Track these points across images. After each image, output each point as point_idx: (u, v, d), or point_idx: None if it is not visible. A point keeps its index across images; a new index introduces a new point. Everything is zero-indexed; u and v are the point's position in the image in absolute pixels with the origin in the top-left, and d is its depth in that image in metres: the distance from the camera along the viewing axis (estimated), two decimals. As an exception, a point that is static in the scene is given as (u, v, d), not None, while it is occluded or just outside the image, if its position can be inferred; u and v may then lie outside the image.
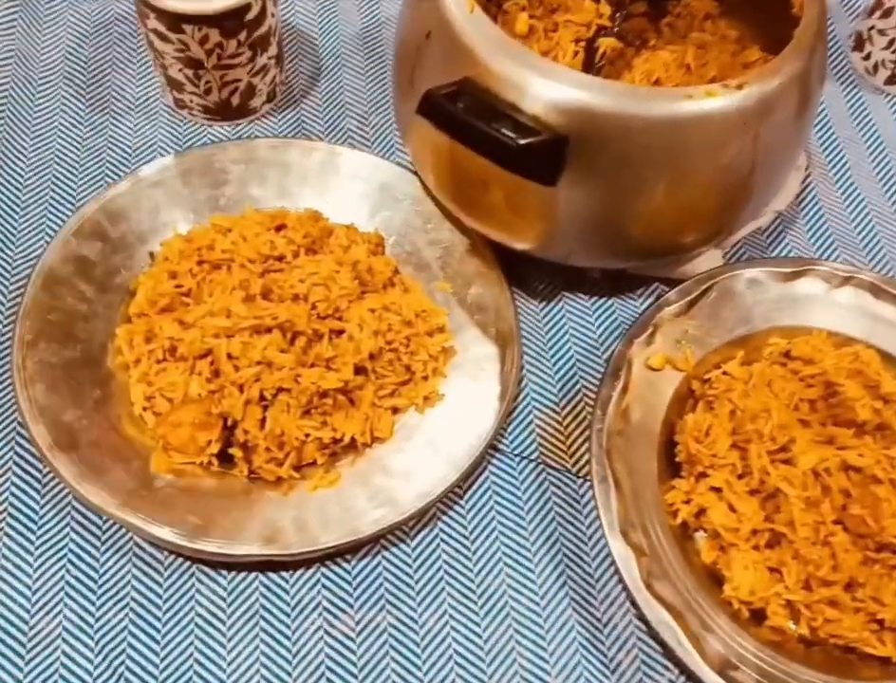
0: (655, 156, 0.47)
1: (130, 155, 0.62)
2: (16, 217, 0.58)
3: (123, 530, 0.47)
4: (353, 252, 0.55)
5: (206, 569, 0.47)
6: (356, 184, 0.59)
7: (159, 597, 0.46)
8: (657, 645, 0.46)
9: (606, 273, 0.57)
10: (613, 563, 0.47)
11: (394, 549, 0.48)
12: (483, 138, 0.44)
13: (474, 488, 0.50)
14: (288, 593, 0.47)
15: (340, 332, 0.52)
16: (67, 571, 0.47)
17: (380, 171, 0.59)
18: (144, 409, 0.49)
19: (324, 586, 0.47)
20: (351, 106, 0.65)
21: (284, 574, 0.47)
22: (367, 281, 0.54)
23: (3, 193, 0.59)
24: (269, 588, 0.47)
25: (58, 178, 0.60)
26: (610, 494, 0.46)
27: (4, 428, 0.50)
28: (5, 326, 0.53)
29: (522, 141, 0.43)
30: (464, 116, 0.44)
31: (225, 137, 0.63)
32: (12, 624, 0.45)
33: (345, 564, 0.48)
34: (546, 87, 0.45)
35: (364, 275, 0.54)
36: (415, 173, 0.58)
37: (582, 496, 0.50)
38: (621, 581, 0.46)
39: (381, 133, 0.64)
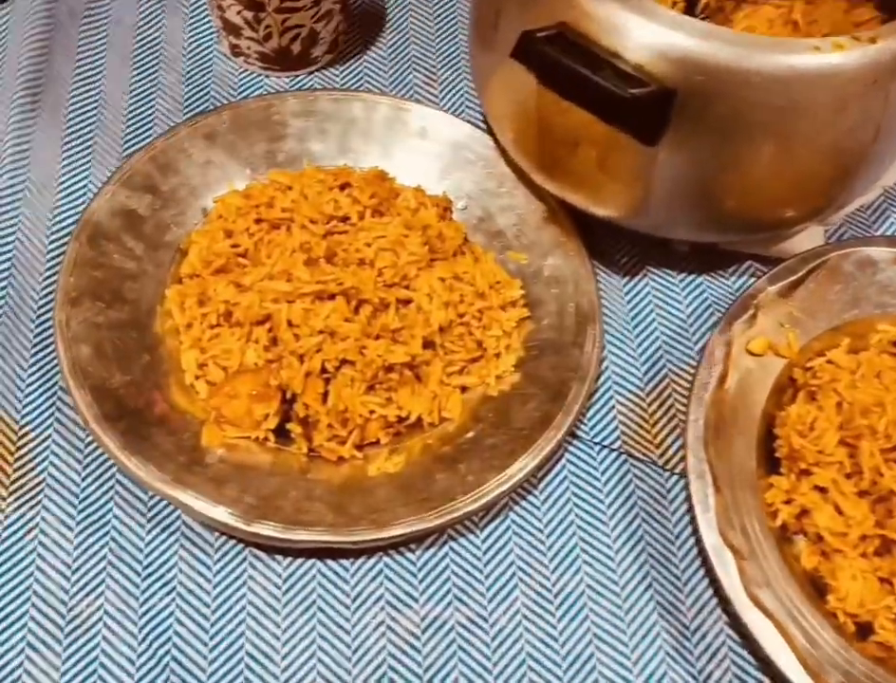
0: (771, 115, 0.42)
1: (181, 103, 0.57)
2: (57, 164, 0.54)
3: (171, 507, 0.44)
4: (422, 216, 0.50)
5: (260, 554, 0.43)
6: (424, 143, 0.54)
7: (209, 581, 0.43)
8: (751, 657, 0.42)
9: (696, 247, 0.52)
10: (704, 565, 0.44)
11: (462, 540, 0.44)
12: (588, 87, 0.39)
13: (549, 477, 0.46)
14: (347, 583, 0.43)
15: (406, 302, 0.48)
16: (110, 549, 0.43)
17: (451, 129, 0.54)
18: (196, 377, 0.45)
19: (387, 577, 0.43)
20: (418, 60, 0.61)
21: (344, 562, 0.43)
22: (437, 247, 0.49)
23: (44, 137, 0.54)
24: (327, 577, 0.43)
25: (104, 124, 0.55)
26: (708, 491, 0.41)
27: (45, 392, 0.47)
28: (44, 282, 0.50)
29: (634, 91, 0.38)
30: (568, 61, 0.39)
31: (282, 88, 0.59)
32: (49, 604, 0.42)
33: (409, 554, 0.44)
34: (652, 33, 0.40)
35: (434, 241, 0.49)
36: (489, 132, 0.54)
37: (669, 491, 0.46)
38: (715, 585, 0.42)
39: (449, 89, 0.59)
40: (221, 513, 0.41)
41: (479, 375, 0.47)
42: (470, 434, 0.45)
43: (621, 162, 0.45)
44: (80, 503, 0.44)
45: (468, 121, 0.55)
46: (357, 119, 0.55)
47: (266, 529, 0.41)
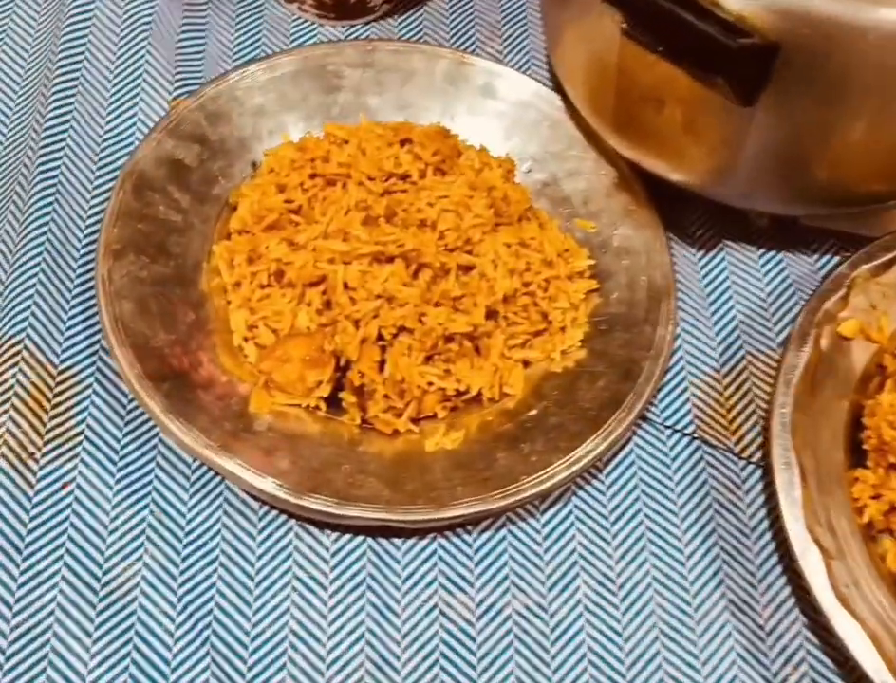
0: (883, 78, 0.38)
1: (230, 50, 0.54)
2: (102, 110, 0.51)
3: (215, 473, 0.41)
4: (487, 177, 0.47)
5: (308, 526, 0.41)
6: (487, 100, 0.51)
7: (252, 552, 0.40)
8: (830, 661, 0.39)
9: (776, 221, 0.49)
10: (781, 561, 0.41)
11: (521, 524, 0.41)
12: (689, 35, 0.35)
13: (616, 461, 0.43)
14: (399, 562, 0.40)
15: (467, 268, 0.45)
16: (150, 511, 0.40)
17: (517, 86, 0.51)
18: (245, 339, 0.43)
19: (441, 559, 0.40)
20: (481, 14, 0.57)
21: (396, 541, 0.41)
22: (502, 211, 0.46)
23: (88, 81, 0.51)
24: (378, 555, 0.40)
25: (151, 68, 0.52)
26: (795, 483, 0.38)
27: (87, 338, 0.44)
28: (86, 231, 0.47)
29: (743, 41, 0.35)
30: (669, 4, 0.35)
31: (337, 38, 0.55)
32: (83, 566, 0.39)
33: (465, 536, 0.41)
34: (756, -20, 0.37)
35: (500, 204, 0.46)
36: (557, 91, 0.50)
37: (744, 480, 0.43)
38: (794, 583, 0.39)
39: (513, 45, 0.56)
40: (269, 485, 0.38)
41: (543, 349, 0.44)
42: (533, 412, 0.42)
43: (709, 124, 0.41)
44: (120, 460, 0.41)
45: (538, 81, 0.52)
46: (416, 73, 0.52)
47: (317, 504, 0.38)
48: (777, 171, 0.43)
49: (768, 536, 0.41)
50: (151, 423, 0.42)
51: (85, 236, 0.47)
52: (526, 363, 0.45)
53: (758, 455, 0.43)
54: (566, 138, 0.50)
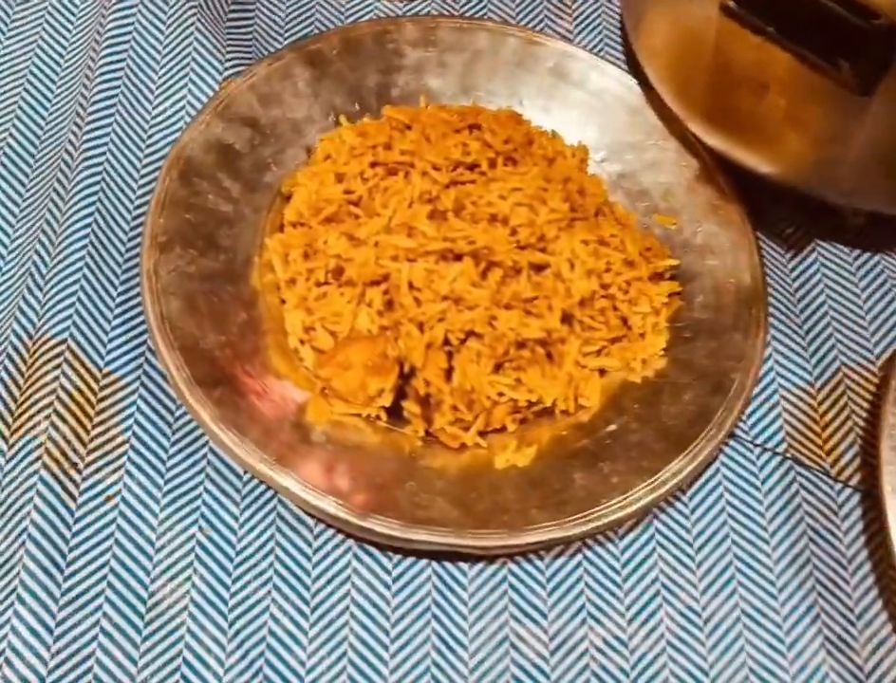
0: None
1: (282, 27, 0.51)
2: (150, 93, 0.47)
3: (267, 486, 0.38)
4: (561, 166, 0.43)
5: (368, 547, 0.38)
6: (558, 83, 0.47)
7: (308, 574, 0.37)
8: (938, 712, 0.36)
9: (874, 220, 0.45)
10: (881, 596, 0.37)
11: (598, 549, 0.38)
12: (815, 15, 0.31)
13: (700, 481, 0.39)
14: (466, 590, 0.37)
15: (539, 267, 0.41)
16: (200, 528, 0.38)
17: (591, 69, 0.47)
18: (302, 342, 0.39)
19: (511, 586, 0.37)
20: (550, -11, 0.53)
21: (462, 565, 0.37)
22: (578, 204, 0.42)
23: (135, 62, 0.48)
24: (443, 580, 0.37)
25: (200, 47, 0.48)
26: (907, 514, 0.35)
27: (133, 339, 0.40)
28: (132, 223, 0.44)
29: (877, 22, 0.31)
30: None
31: (394, 14, 0.52)
32: (127, 586, 0.36)
33: (537, 562, 0.38)
34: (885, -46, 0.33)
35: (575, 197, 0.42)
36: (634, 74, 0.47)
37: (841, 506, 0.39)
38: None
39: (585, 24, 0.52)
40: (330, 505, 0.35)
41: (622, 357, 0.41)
42: (612, 428, 0.39)
43: (818, 113, 0.37)
44: (167, 472, 0.38)
45: (611, 62, 0.48)
46: (482, 53, 0.48)
47: (381, 526, 0.35)
48: (888, 166, 0.39)
49: (867, 567, 0.38)
50: (200, 432, 0.39)
51: (132, 228, 0.43)
52: (602, 372, 0.41)
53: (857, 478, 0.40)
54: (644, 125, 0.46)
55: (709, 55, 0.39)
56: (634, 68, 0.47)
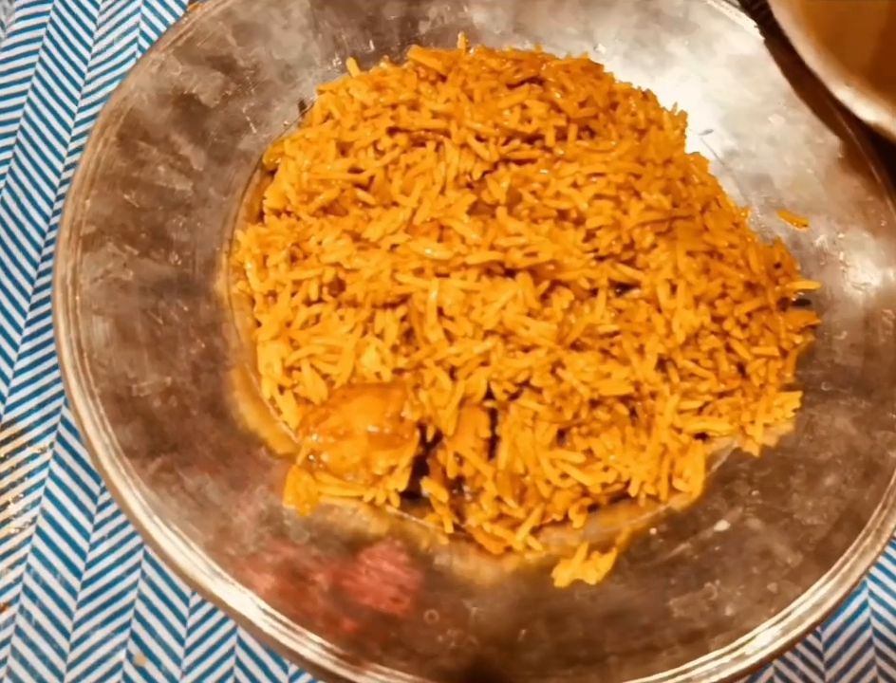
0: None
1: (274, -66, 0.38)
2: (89, 20, 0.35)
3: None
4: (658, 141, 0.31)
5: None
6: (649, 22, 0.35)
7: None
8: None
9: None
10: None
11: (695, 699, 0.27)
12: None
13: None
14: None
15: (625, 287, 0.29)
16: (129, 657, 0.26)
17: (696, 7, 0.35)
18: (281, 389, 0.28)
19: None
20: None
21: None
22: (681, 199, 0.30)
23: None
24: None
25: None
26: None
27: (41, 391, 0.29)
28: (57, 204, 0.32)
29: None
30: None
31: (425, -79, 0.39)
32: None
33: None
34: None
35: (678, 187, 0.30)
36: (755, 18, 0.34)
37: None
38: None
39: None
40: (311, 648, 0.24)
41: (734, 418, 0.29)
42: (722, 526, 0.28)
43: None
44: (86, 569, 0.27)
45: (724, -2, 0.35)
46: (544, -23, 0.35)
47: (386, 679, 0.24)
48: None
49: None
50: (131, 532, 0.27)
51: (55, 213, 0.32)
52: (703, 437, 0.29)
53: None
54: (766, 85, 0.34)
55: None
56: (753, 5, 0.34)
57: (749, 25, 0.35)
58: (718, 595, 0.26)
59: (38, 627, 0.26)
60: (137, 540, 0.27)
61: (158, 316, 0.28)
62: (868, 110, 0.31)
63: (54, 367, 0.29)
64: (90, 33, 0.35)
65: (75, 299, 0.27)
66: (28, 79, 0.33)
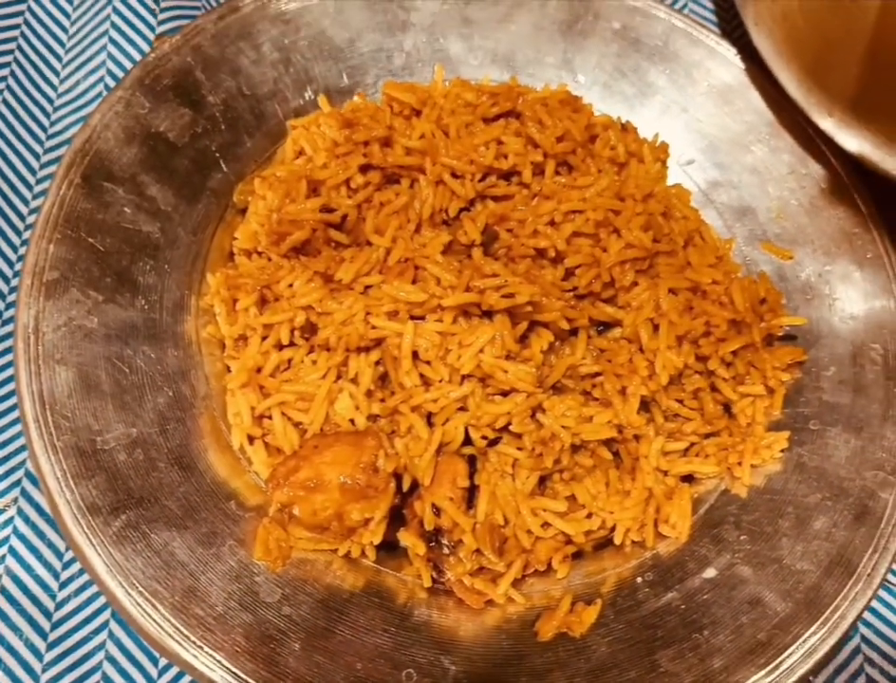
0: None
1: (246, -35, 0.37)
2: (55, 58, 0.34)
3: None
4: (638, 175, 0.30)
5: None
6: (629, 51, 0.34)
7: None
8: None
9: None
10: None
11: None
12: None
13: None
14: None
15: (605, 325, 0.28)
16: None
17: (674, 36, 0.34)
18: (250, 440, 0.27)
19: None
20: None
21: None
22: (663, 234, 0.29)
23: (38, 12, 0.35)
24: None
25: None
26: None
27: (4, 445, 0.28)
28: (21, 249, 0.31)
29: None
30: None
31: (401, -49, 0.38)
32: None
33: None
34: None
35: (659, 222, 0.29)
36: (736, 46, 0.33)
37: None
38: None
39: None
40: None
41: (720, 459, 0.28)
42: (709, 573, 0.27)
43: None
44: (51, 630, 0.26)
45: (700, 24, 0.34)
46: (522, 6, 0.34)
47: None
48: None
49: None
50: (95, 592, 0.26)
51: (19, 259, 0.31)
52: (691, 479, 0.29)
53: None
54: (748, 114, 0.34)
55: (868, 20, 0.26)
56: (735, 37, 0.34)
57: (730, 53, 0.34)
58: (707, 647, 0.25)
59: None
60: (104, 598, 0.26)
61: (123, 364, 0.27)
62: (851, 140, 0.31)
63: (17, 420, 0.28)
64: (56, 73, 0.34)
65: (38, 349, 0.26)
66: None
